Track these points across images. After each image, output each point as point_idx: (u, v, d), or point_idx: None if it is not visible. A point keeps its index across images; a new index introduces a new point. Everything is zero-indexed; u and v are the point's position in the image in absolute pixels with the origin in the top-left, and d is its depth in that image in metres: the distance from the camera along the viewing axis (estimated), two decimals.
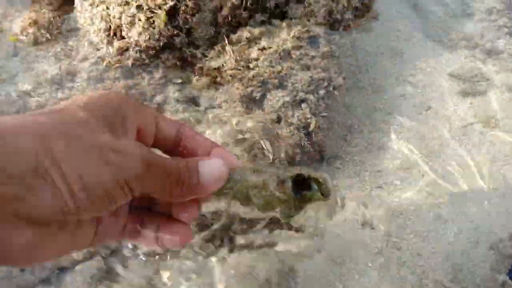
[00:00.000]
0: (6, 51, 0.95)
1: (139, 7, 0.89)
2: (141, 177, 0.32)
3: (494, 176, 0.87)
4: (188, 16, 0.90)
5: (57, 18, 1.01)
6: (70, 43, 0.97)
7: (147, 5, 0.89)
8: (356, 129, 0.95)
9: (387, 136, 0.93)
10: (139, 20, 0.90)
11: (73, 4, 1.02)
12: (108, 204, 0.32)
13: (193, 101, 0.91)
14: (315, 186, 0.40)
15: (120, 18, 0.91)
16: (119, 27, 0.92)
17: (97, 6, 0.95)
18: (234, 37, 0.94)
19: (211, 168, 0.37)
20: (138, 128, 0.37)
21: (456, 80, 0.99)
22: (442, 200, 0.83)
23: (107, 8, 0.93)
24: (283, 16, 1.01)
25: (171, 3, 0.88)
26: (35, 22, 0.97)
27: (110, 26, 0.93)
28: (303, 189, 0.40)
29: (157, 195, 0.35)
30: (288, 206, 0.38)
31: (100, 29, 0.94)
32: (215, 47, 0.94)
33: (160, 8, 0.89)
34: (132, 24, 0.90)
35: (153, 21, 0.89)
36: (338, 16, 1.00)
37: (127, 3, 0.90)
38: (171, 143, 0.41)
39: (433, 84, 0.99)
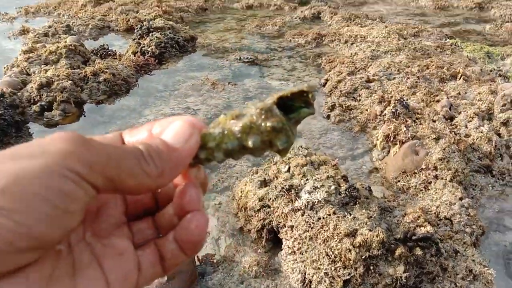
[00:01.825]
0: None
1: (326, 274, 1.44)
2: (87, 157, 0.26)
3: None
4: (356, 286, 1.42)
5: (265, 258, 1.61)
6: (276, 281, 1.53)
7: (331, 274, 1.43)
8: None
9: None
10: (324, 281, 1.43)
11: (281, 248, 1.61)
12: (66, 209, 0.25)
13: None
14: (297, 104, 0.34)
15: (312, 276, 1.46)
16: (310, 281, 1.46)
17: (298, 262, 1.52)
18: None
19: (173, 131, 0.32)
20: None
21: None
22: None
23: (305, 267, 1.49)
24: None
25: (347, 277, 1.41)
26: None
27: (304, 279, 1.48)
28: (287, 112, 0.34)
29: (131, 181, 0.29)
30: (286, 133, 0.33)
31: (297, 279, 1.49)
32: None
33: (339, 277, 1.42)
34: (319, 282, 1.44)
35: (333, 286, 1.42)
36: None
37: (318, 268, 1.46)
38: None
39: None
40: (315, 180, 1.62)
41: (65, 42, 3.22)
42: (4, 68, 3.29)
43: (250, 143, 0.33)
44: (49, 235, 0.25)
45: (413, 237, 1.46)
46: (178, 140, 0.32)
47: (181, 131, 0.32)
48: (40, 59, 3.11)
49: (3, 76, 3.13)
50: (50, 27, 4.19)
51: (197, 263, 1.61)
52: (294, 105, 0.34)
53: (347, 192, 1.56)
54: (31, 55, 3.17)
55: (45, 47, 3.38)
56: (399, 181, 1.96)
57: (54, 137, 0.27)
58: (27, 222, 0.24)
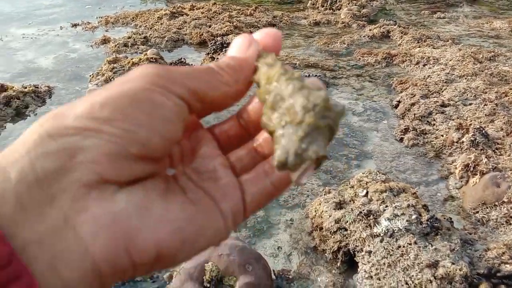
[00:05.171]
0: None
1: None
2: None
3: None
4: None
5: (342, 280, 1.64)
6: None
7: None
8: None
9: None
10: None
11: (356, 271, 1.63)
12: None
13: None
14: None
15: None
16: None
17: None
18: None
19: (234, 46, 0.35)
20: None
21: None
22: None
23: None
24: None
25: None
26: None
27: None
28: None
29: (213, 93, 0.31)
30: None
31: None
32: None
33: None
34: None
35: None
36: None
37: None
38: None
39: None
40: (395, 207, 1.63)
41: (146, 54, 3.42)
42: (90, 76, 3.56)
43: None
44: (154, 142, 0.27)
45: (498, 274, 1.43)
46: (240, 51, 0.34)
47: (241, 44, 0.35)
48: (124, 69, 3.33)
49: (89, 84, 3.39)
50: (129, 37, 4.46)
51: (274, 277, 1.67)
52: None
53: (428, 223, 1.56)
54: (115, 65, 3.40)
55: (127, 58, 3.62)
56: (477, 212, 1.92)
57: (134, 70, 0.30)
58: (131, 128, 0.26)
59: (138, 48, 4.25)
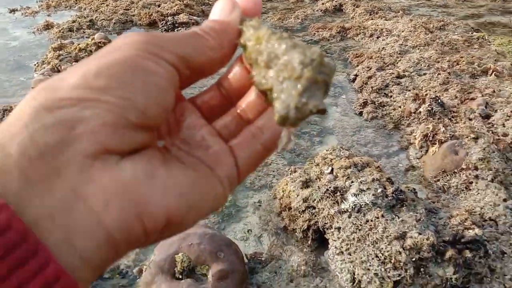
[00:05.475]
0: None
1: (376, 274, 1.47)
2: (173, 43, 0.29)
3: None
4: (406, 286, 1.45)
5: (312, 257, 1.65)
6: (325, 280, 1.57)
7: (382, 275, 1.46)
8: None
9: None
10: (375, 282, 1.46)
11: (327, 247, 1.65)
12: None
13: None
14: None
15: (362, 276, 1.49)
16: (359, 281, 1.50)
17: (346, 263, 1.55)
18: None
19: (216, 10, 0.34)
20: None
21: None
22: None
23: (353, 267, 1.52)
24: None
25: (397, 278, 1.45)
26: None
27: (353, 278, 1.51)
28: None
29: (200, 58, 0.31)
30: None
31: (346, 279, 1.53)
32: None
33: (389, 278, 1.45)
34: (369, 282, 1.48)
35: (384, 286, 1.45)
36: None
37: (368, 269, 1.49)
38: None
39: None
40: (361, 182, 1.65)
41: (93, 39, 3.25)
42: (35, 65, 3.33)
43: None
44: (151, 109, 0.27)
45: (462, 240, 1.48)
46: (222, 15, 0.34)
47: (223, 7, 0.34)
48: (70, 56, 3.15)
49: (34, 74, 3.18)
50: (74, 22, 4.22)
51: (246, 261, 1.65)
52: None
53: (394, 195, 1.59)
54: (61, 52, 3.21)
55: (73, 43, 3.42)
56: (438, 180, 1.98)
57: (120, 38, 0.29)
58: (128, 96, 0.26)
59: (84, 32, 4.02)
